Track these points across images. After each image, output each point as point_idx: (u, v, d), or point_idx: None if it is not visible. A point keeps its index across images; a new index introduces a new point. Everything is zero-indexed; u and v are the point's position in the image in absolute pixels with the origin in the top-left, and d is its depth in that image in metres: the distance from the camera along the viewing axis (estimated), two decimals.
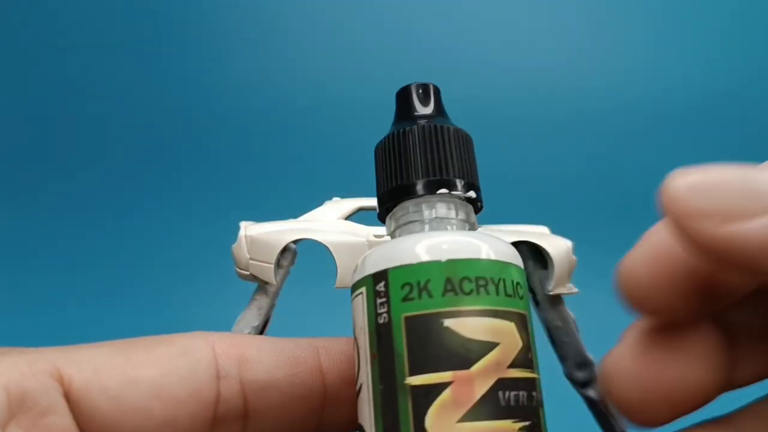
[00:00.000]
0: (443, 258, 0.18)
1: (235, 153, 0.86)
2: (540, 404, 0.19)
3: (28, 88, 0.86)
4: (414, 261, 0.18)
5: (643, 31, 0.88)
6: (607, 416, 0.30)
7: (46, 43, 0.86)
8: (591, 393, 0.30)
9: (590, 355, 0.29)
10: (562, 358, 0.29)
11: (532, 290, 0.29)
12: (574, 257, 0.29)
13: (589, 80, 0.87)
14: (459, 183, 0.21)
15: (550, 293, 0.29)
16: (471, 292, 0.17)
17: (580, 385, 0.30)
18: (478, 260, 0.18)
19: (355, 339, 0.20)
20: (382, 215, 0.23)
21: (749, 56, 0.87)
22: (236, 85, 0.87)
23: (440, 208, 0.21)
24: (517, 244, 0.29)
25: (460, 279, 0.17)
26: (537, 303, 0.29)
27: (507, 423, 0.17)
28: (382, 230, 0.26)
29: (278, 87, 0.86)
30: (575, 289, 0.29)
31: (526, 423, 0.17)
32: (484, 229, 0.28)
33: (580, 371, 0.29)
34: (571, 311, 0.29)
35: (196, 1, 0.88)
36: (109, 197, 0.84)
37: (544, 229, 0.29)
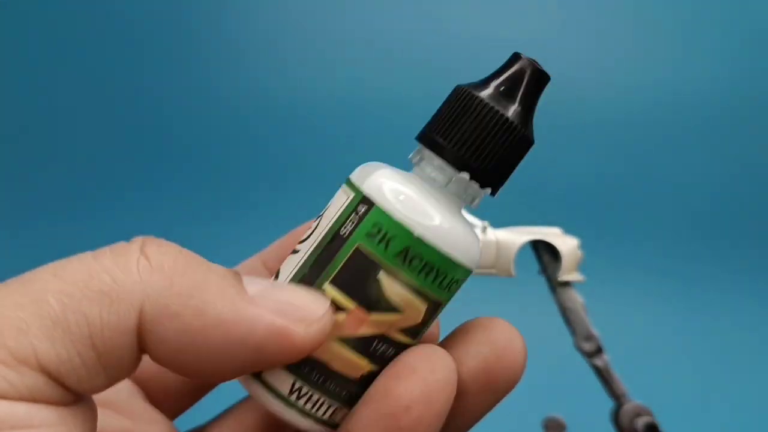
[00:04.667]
0: (415, 232, 0.20)
1: (241, 154, 0.87)
2: (395, 356, 0.21)
3: (31, 90, 0.88)
4: (395, 214, 0.20)
5: (650, 39, 0.92)
6: (609, 381, 0.37)
7: (46, 45, 0.87)
8: (597, 362, 0.37)
9: (595, 331, 0.36)
10: (572, 333, 0.37)
11: (548, 278, 0.36)
12: (581, 252, 0.36)
13: (595, 86, 0.91)
14: (485, 176, 0.21)
15: (561, 281, 0.36)
16: (414, 268, 0.20)
17: (588, 355, 0.37)
18: (437, 250, 0.20)
19: (321, 216, 0.22)
20: (421, 138, 0.22)
21: (751, 58, 0.91)
22: (247, 87, 0.88)
23: (455, 185, 0.21)
24: (535, 242, 0.36)
25: (414, 254, 0.20)
26: (553, 288, 0.36)
27: (364, 361, 0.20)
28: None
29: (284, 88, 0.88)
30: (582, 277, 0.36)
31: (376, 367, 0.20)
32: (510, 231, 0.36)
33: (586, 343, 0.36)
34: (580, 295, 0.36)
35: (189, 8, 0.91)
36: (113, 198, 0.85)
37: (557, 230, 0.37)
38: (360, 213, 0.20)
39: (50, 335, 0.16)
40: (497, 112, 0.20)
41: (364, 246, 0.20)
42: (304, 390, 0.20)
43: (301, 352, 0.18)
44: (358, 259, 0.20)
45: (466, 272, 0.21)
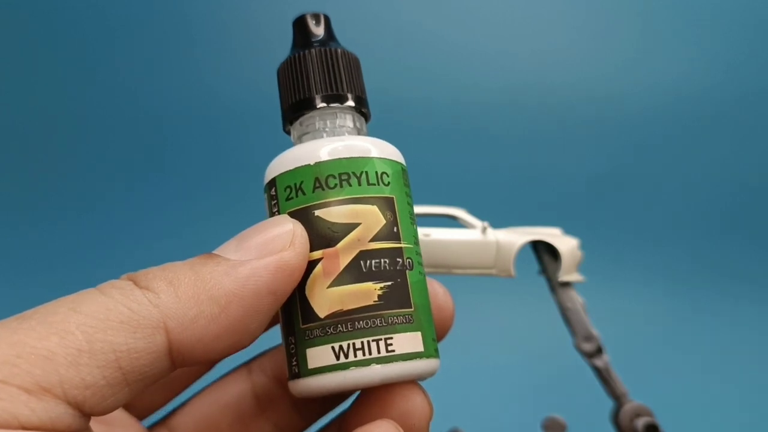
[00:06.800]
0: (312, 162, 0.21)
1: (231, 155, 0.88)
2: (408, 267, 0.21)
3: (23, 90, 0.87)
4: (291, 167, 0.22)
5: (650, 38, 0.91)
6: (609, 381, 0.37)
7: (34, 45, 0.86)
8: (597, 362, 0.37)
9: (595, 331, 0.36)
10: (572, 333, 0.36)
11: (548, 278, 0.36)
12: (581, 252, 0.36)
13: (595, 86, 0.90)
14: (349, 96, 0.23)
15: (561, 281, 0.36)
16: (335, 186, 0.21)
17: (588, 356, 0.37)
18: (339, 160, 0.21)
19: None
20: (285, 127, 0.24)
21: (748, 59, 0.91)
22: (244, 88, 0.88)
23: (332, 118, 0.23)
24: (535, 242, 0.36)
25: (326, 177, 0.21)
26: (553, 289, 0.36)
27: (368, 285, 0.20)
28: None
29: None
30: (582, 278, 0.36)
31: (387, 283, 0.21)
32: (510, 231, 0.36)
33: (586, 343, 0.36)
34: (580, 295, 0.36)
35: (181, 7, 0.91)
36: (111, 198, 0.85)
37: (557, 231, 0.37)
38: (273, 194, 0.22)
39: (76, 362, 0.16)
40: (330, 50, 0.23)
41: (291, 207, 0.21)
42: (345, 345, 0.20)
43: (302, 267, 0.20)
44: (295, 219, 0.21)
45: (382, 162, 0.22)
